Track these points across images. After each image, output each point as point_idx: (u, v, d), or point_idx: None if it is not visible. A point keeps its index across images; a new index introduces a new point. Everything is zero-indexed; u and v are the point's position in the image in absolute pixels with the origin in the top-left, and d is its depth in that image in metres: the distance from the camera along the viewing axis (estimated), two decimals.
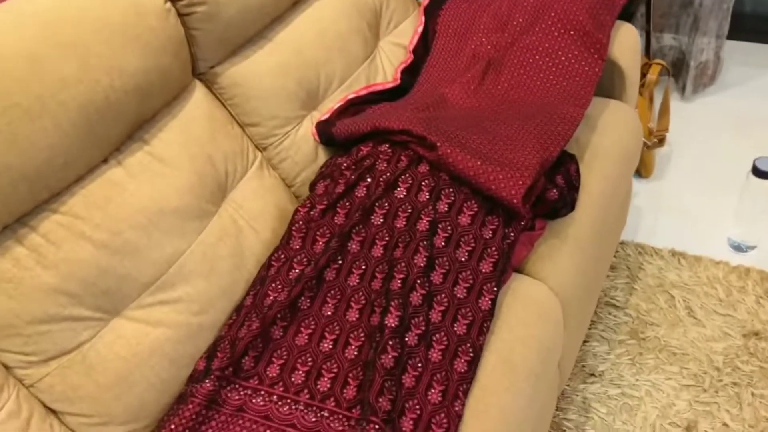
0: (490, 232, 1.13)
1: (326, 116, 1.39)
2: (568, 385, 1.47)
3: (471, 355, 1.02)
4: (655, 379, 1.46)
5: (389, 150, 1.24)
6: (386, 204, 1.16)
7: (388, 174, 1.19)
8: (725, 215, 1.87)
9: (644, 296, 1.64)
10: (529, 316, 1.11)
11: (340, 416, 0.97)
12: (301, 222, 1.20)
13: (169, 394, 1.05)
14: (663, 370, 1.48)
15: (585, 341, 1.56)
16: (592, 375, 1.49)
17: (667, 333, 1.55)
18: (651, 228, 1.87)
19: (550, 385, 1.15)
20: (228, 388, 1.01)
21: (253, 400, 1.00)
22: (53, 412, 0.99)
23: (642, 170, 2.04)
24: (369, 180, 1.21)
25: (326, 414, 0.98)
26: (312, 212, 1.21)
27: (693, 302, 1.61)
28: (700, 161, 2.07)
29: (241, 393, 1.01)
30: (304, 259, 1.15)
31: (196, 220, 1.13)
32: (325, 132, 1.36)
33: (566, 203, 1.21)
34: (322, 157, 1.39)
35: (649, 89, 2.00)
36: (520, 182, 1.12)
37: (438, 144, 1.17)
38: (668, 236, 1.82)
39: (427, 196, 1.15)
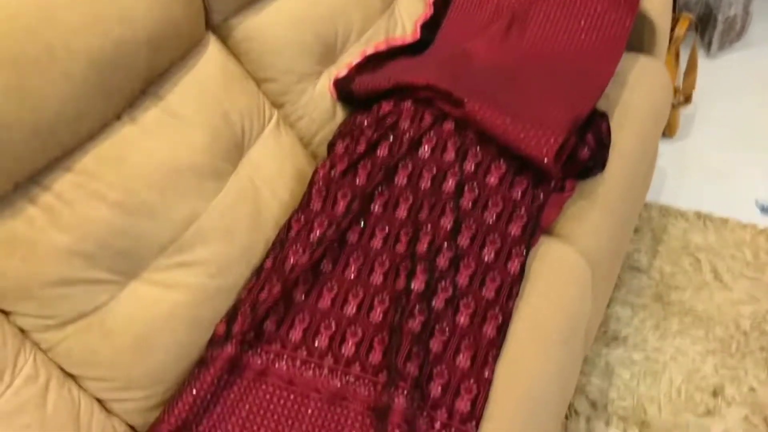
0: (519, 193, 1.08)
1: (344, 72, 1.33)
2: (590, 350, 1.45)
3: (500, 319, 0.99)
4: (680, 344, 1.43)
5: (412, 107, 1.18)
6: (410, 164, 1.12)
7: (412, 132, 1.14)
8: (753, 176, 1.81)
9: (668, 259, 1.60)
10: (558, 280, 1.07)
11: (366, 381, 0.94)
12: (321, 183, 1.16)
13: (188, 358, 1.02)
14: (688, 334, 1.45)
15: (608, 305, 1.53)
16: (615, 339, 1.46)
17: (692, 297, 1.51)
18: (675, 189, 1.82)
19: (578, 350, 1.12)
20: (250, 352, 0.99)
21: (276, 365, 0.98)
22: (71, 376, 0.96)
23: (666, 130, 1.97)
24: (391, 139, 1.16)
25: (351, 379, 0.95)
26: (332, 172, 1.16)
27: (719, 265, 1.57)
28: (727, 120, 2.00)
29: (264, 357, 0.98)
30: (325, 221, 1.11)
31: (213, 180, 1.08)
32: (343, 89, 1.31)
33: (597, 163, 1.16)
34: (341, 115, 1.34)
35: (675, 45, 1.93)
36: (552, 140, 1.06)
37: (465, 100, 1.11)
38: (693, 198, 1.77)
39: (453, 156, 1.10)
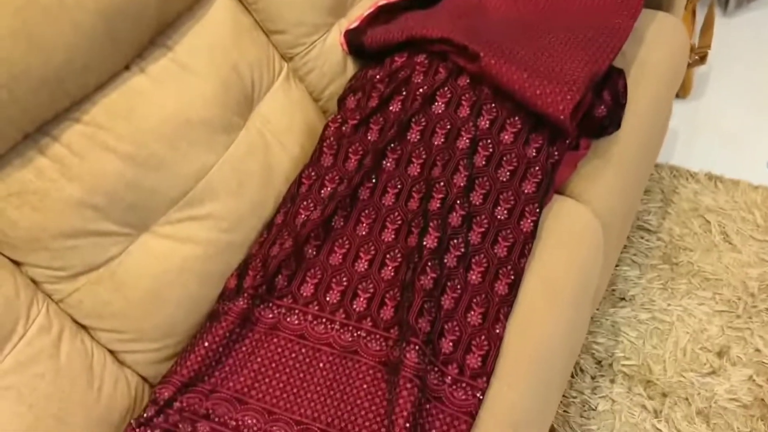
0: (534, 150, 1.07)
1: (356, 24, 1.30)
2: (597, 309, 1.45)
3: (512, 277, 0.98)
4: (687, 304, 1.43)
5: (426, 61, 1.16)
6: (423, 120, 1.10)
7: (425, 87, 1.12)
8: (766, 138, 1.79)
9: (678, 221, 1.59)
10: (570, 239, 1.07)
11: (378, 336, 0.95)
12: (332, 138, 1.14)
13: (199, 311, 1.03)
14: (695, 295, 1.45)
15: (616, 265, 1.53)
16: (623, 299, 1.47)
17: (700, 258, 1.51)
18: (687, 150, 1.80)
19: (587, 309, 1.12)
20: (261, 306, 0.99)
21: (288, 319, 0.98)
22: (84, 327, 0.97)
23: (680, 90, 1.94)
24: (404, 94, 1.14)
25: (363, 334, 0.95)
26: (344, 128, 1.15)
27: (729, 227, 1.56)
28: (741, 81, 1.96)
29: (275, 311, 0.99)
30: (336, 177, 1.10)
31: (223, 133, 1.07)
32: (354, 41, 1.28)
33: (612, 121, 1.14)
34: (351, 68, 1.31)
35: (692, 2, 1.88)
36: (569, 97, 1.04)
37: (481, 54, 1.09)
38: (705, 159, 1.75)
39: (468, 112, 1.08)
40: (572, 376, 1.35)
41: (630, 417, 1.29)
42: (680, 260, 1.51)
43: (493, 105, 1.09)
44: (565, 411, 1.31)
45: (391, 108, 1.13)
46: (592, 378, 1.35)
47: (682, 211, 1.61)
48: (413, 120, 1.10)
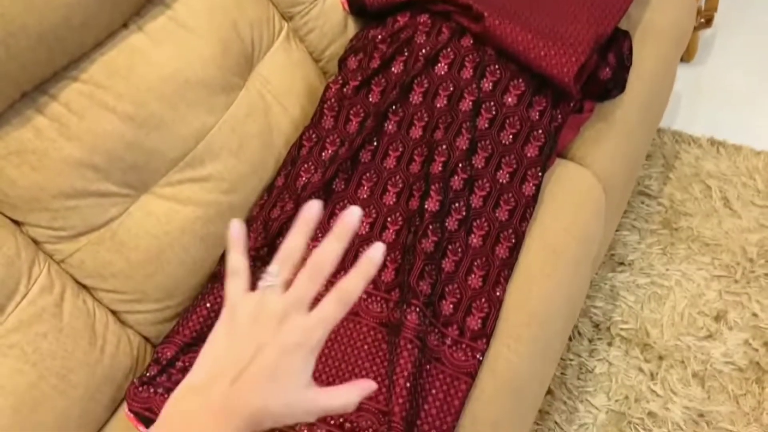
0: (537, 113, 1.06)
1: None
2: (596, 274, 1.46)
3: (513, 241, 0.99)
4: (685, 269, 1.44)
5: (429, 21, 1.13)
6: (425, 81, 1.09)
7: (428, 48, 1.10)
8: None
9: (679, 186, 1.59)
10: (572, 203, 1.06)
11: (378, 298, 0.95)
12: (333, 99, 1.13)
13: (201, 272, 1.03)
14: (694, 260, 1.45)
15: (615, 230, 1.53)
16: (622, 264, 1.47)
17: (700, 223, 1.51)
18: (690, 115, 1.78)
19: (587, 272, 1.13)
20: (263, 268, 0.99)
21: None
22: (85, 288, 0.97)
23: (684, 53, 1.91)
24: (406, 54, 1.12)
25: (363, 296, 0.96)
26: (345, 89, 1.13)
27: (730, 193, 1.56)
28: (746, 45, 1.94)
29: None
30: (337, 139, 1.09)
31: (223, 94, 1.06)
32: (355, 1, 1.25)
33: (617, 84, 1.13)
34: (352, 28, 1.29)
35: None
36: (573, 59, 1.03)
37: (485, 14, 1.07)
38: (707, 124, 1.73)
39: (471, 73, 1.07)
40: (570, 339, 1.37)
41: (626, 379, 1.30)
42: (680, 225, 1.52)
43: (497, 66, 1.07)
44: (562, 373, 1.33)
45: (392, 69, 1.12)
46: (590, 341, 1.37)
47: (683, 177, 1.61)
48: (415, 81, 1.09)
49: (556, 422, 1.27)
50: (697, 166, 1.62)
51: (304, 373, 0.45)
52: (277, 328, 0.44)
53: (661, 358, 1.32)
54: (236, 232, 0.50)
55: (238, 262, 0.49)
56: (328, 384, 0.88)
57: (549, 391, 1.30)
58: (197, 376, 0.45)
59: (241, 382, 0.43)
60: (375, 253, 0.47)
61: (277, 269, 0.47)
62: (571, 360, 1.34)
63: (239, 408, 0.43)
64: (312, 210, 0.49)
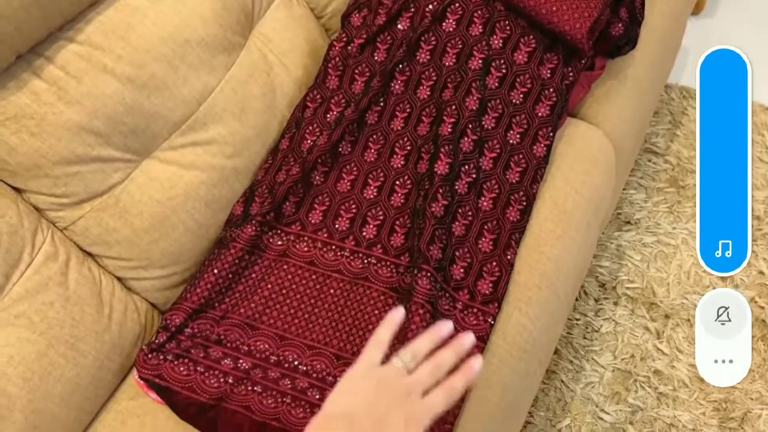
0: (549, 71, 1.03)
1: None
2: (603, 233, 1.45)
3: (524, 203, 0.97)
4: (692, 228, 1.43)
5: None
6: (433, 38, 1.05)
7: (435, 3, 1.06)
8: None
9: (686, 143, 1.57)
10: (584, 163, 1.04)
11: (388, 263, 0.94)
12: (337, 58, 1.10)
13: (206, 238, 1.02)
14: None
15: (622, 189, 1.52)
16: (628, 223, 1.46)
17: None
18: (697, 71, 1.74)
19: (596, 232, 1.11)
20: (270, 233, 0.98)
21: (297, 246, 0.97)
22: (90, 255, 0.96)
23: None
24: (413, 10, 1.08)
25: (373, 261, 0.95)
26: (349, 47, 1.10)
27: None
28: None
29: (284, 238, 0.97)
30: (342, 100, 1.07)
31: (224, 54, 1.02)
32: None
33: (630, 39, 1.10)
34: None
35: None
36: (586, 14, 1.00)
37: None
38: None
39: (480, 30, 1.03)
40: (576, 299, 1.37)
41: (632, 338, 1.31)
42: (687, 183, 1.50)
43: (507, 22, 1.04)
44: (568, 333, 1.33)
45: (398, 26, 1.08)
46: (596, 300, 1.36)
47: (691, 133, 1.59)
48: (422, 39, 1.05)
49: (562, 381, 1.28)
50: None
51: None
52: (403, 399, 0.56)
53: (667, 316, 1.32)
54: (396, 317, 0.63)
55: (384, 337, 0.61)
56: (340, 350, 0.88)
57: (555, 351, 1.30)
58: (337, 407, 0.57)
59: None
60: (476, 365, 0.59)
61: (410, 357, 0.59)
62: (577, 319, 1.35)
63: None
64: (446, 327, 0.62)
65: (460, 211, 0.95)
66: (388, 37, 1.08)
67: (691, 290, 1.35)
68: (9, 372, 0.82)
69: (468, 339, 0.61)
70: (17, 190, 0.89)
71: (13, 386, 0.83)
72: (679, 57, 1.77)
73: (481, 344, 0.88)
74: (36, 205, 0.90)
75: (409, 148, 1.01)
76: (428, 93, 1.03)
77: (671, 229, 1.44)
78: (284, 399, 0.85)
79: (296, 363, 0.89)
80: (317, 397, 0.85)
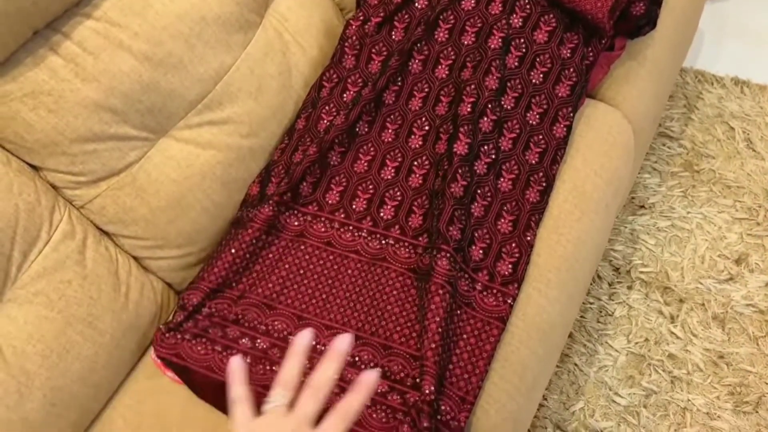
0: (569, 51, 1.01)
1: None
2: (616, 217, 1.44)
3: (543, 184, 0.96)
4: (707, 212, 1.42)
5: None
6: (452, 17, 1.04)
7: None
8: None
9: (701, 127, 1.56)
10: (603, 144, 1.03)
11: (406, 244, 0.93)
12: (354, 37, 1.08)
13: (222, 218, 1.01)
14: (716, 203, 1.43)
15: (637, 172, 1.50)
16: (642, 207, 1.45)
17: (722, 165, 1.49)
18: (713, 54, 1.73)
19: (614, 215, 1.11)
20: (287, 213, 0.97)
21: (314, 226, 0.96)
22: (107, 234, 0.95)
23: None
24: None
25: (391, 241, 0.94)
26: (366, 26, 1.08)
27: (753, 134, 1.52)
28: None
29: (301, 219, 0.97)
30: (359, 80, 1.05)
31: (240, 32, 1.01)
32: None
33: (650, 20, 1.08)
34: None
35: None
36: None
37: None
38: (731, 63, 1.68)
39: (500, 8, 1.02)
40: (590, 283, 1.36)
41: (646, 322, 1.30)
42: (702, 167, 1.49)
43: (527, 1, 1.02)
44: (582, 316, 1.33)
45: (416, 4, 1.07)
46: (610, 285, 1.36)
47: (705, 117, 1.57)
48: (441, 17, 1.04)
49: (575, 364, 1.27)
50: (720, 107, 1.59)
51: None
52: None
53: (681, 301, 1.32)
54: (236, 367, 0.58)
55: (240, 392, 0.56)
56: (359, 330, 0.88)
57: (569, 334, 1.30)
58: None
59: None
60: (370, 379, 0.54)
61: (281, 394, 0.54)
62: (591, 303, 1.34)
63: None
64: (304, 340, 0.57)
65: (479, 191, 0.94)
66: (406, 16, 1.07)
67: (706, 275, 1.34)
68: (28, 350, 0.82)
69: (342, 342, 0.55)
70: (34, 168, 0.88)
71: (31, 364, 0.83)
72: (695, 40, 1.75)
73: (501, 325, 0.87)
74: (53, 183, 0.90)
75: (427, 128, 1.00)
76: (447, 72, 1.02)
77: (685, 214, 1.43)
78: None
79: (314, 343, 0.88)
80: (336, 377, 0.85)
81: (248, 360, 0.87)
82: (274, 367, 0.87)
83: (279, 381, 0.55)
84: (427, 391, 0.80)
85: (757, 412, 1.20)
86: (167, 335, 0.91)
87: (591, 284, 1.36)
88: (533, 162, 0.97)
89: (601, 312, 1.33)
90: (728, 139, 1.53)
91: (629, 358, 1.27)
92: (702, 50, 1.74)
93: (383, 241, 0.94)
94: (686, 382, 1.23)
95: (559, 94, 1.00)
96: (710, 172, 1.49)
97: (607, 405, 1.23)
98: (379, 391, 0.83)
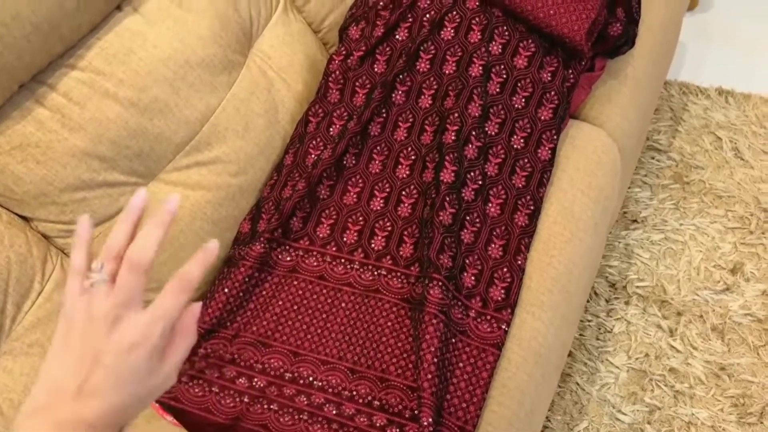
0: (549, 74, 1.03)
1: None
2: (610, 233, 1.44)
3: (531, 208, 0.97)
4: (699, 223, 1.43)
5: None
6: (432, 47, 1.05)
7: (433, 12, 1.07)
8: None
9: (689, 138, 1.57)
10: (588, 164, 1.04)
11: (399, 274, 0.94)
12: (337, 72, 1.10)
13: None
14: (708, 213, 1.44)
15: (627, 187, 1.51)
16: (635, 221, 1.46)
17: (712, 176, 1.50)
18: (696, 65, 1.75)
19: (604, 232, 1.11)
20: (278, 249, 0.97)
21: (306, 261, 0.97)
22: None
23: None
24: (410, 20, 1.08)
25: (383, 272, 0.94)
26: (349, 60, 1.10)
27: (740, 143, 1.53)
28: None
29: (293, 254, 0.97)
30: (345, 114, 1.07)
31: (224, 73, 1.02)
32: None
33: (628, 39, 1.10)
34: None
35: None
36: (584, 16, 1.00)
37: None
38: (715, 73, 1.70)
39: (479, 36, 1.03)
40: (587, 300, 1.36)
41: (645, 337, 1.30)
42: (692, 179, 1.50)
43: (505, 28, 1.04)
44: (581, 334, 1.32)
45: (397, 36, 1.08)
46: (607, 301, 1.36)
47: (692, 129, 1.59)
48: (422, 48, 1.05)
49: (577, 383, 1.27)
50: (706, 118, 1.60)
51: (150, 370, 0.44)
52: (110, 332, 0.43)
53: (679, 313, 1.32)
54: (81, 229, 0.47)
55: (78, 261, 0.46)
56: (355, 363, 0.88)
57: (569, 353, 1.30)
58: (38, 397, 0.43)
59: (84, 396, 0.42)
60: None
61: (99, 265, 0.45)
62: (589, 321, 1.34)
63: (89, 420, 0.42)
64: (139, 197, 0.48)
65: (468, 218, 0.95)
66: (387, 48, 1.08)
67: (702, 286, 1.35)
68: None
69: (171, 202, 0.47)
70: (25, 219, 0.89)
71: None
72: (677, 53, 1.77)
73: (496, 351, 0.87)
74: (44, 232, 0.90)
75: (413, 157, 1.01)
76: (430, 102, 1.03)
77: (678, 226, 1.44)
78: (301, 416, 0.85)
79: (311, 379, 0.88)
80: (334, 412, 0.85)
81: (246, 400, 0.87)
82: (272, 406, 0.87)
83: (103, 250, 0.46)
84: (425, 423, 0.80)
85: (761, 422, 1.19)
86: None
87: (588, 301, 1.36)
88: (520, 186, 0.98)
89: (600, 329, 1.33)
90: (716, 149, 1.54)
91: (630, 375, 1.27)
92: (685, 62, 1.76)
93: (376, 272, 0.95)
94: (689, 396, 1.23)
95: (542, 118, 1.01)
96: (700, 182, 1.49)
97: (611, 423, 1.22)
98: (377, 424, 0.83)
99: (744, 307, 1.31)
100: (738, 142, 1.54)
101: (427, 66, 1.05)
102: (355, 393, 0.86)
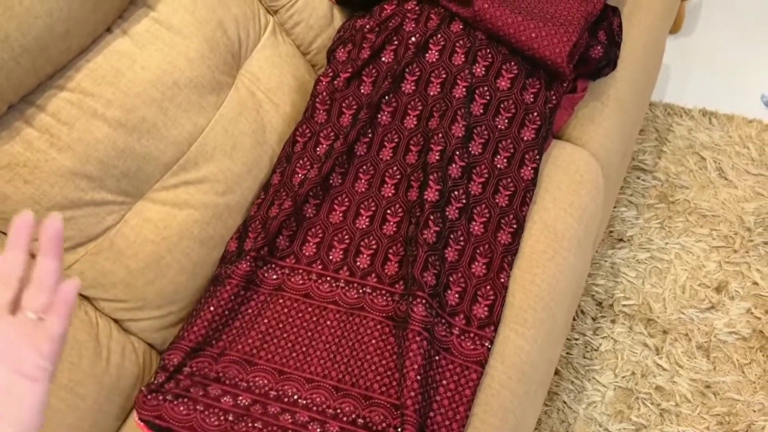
0: (531, 96, 1.05)
1: None
2: (596, 251, 1.46)
3: (515, 226, 0.98)
4: (684, 242, 1.44)
5: (417, 7, 1.12)
6: (417, 69, 1.07)
7: (418, 35, 1.09)
8: (759, 70, 1.77)
9: (673, 159, 1.59)
10: (571, 183, 1.06)
11: (383, 292, 0.95)
12: (324, 93, 1.12)
13: (201, 276, 1.02)
14: (693, 232, 1.46)
15: (613, 207, 1.53)
16: (621, 240, 1.47)
17: (697, 195, 1.51)
18: (680, 87, 1.78)
19: (589, 252, 1.12)
20: (264, 267, 0.98)
21: (292, 279, 0.97)
22: (86, 298, 0.96)
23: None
24: (396, 43, 1.10)
25: (368, 290, 0.95)
26: (335, 82, 1.12)
27: (724, 163, 1.56)
28: (732, 12, 1.93)
29: (279, 272, 0.98)
30: (331, 134, 1.08)
31: (212, 94, 1.04)
32: None
33: (610, 61, 1.12)
34: (339, 19, 1.28)
35: None
36: (565, 39, 1.02)
37: None
38: (698, 95, 1.73)
39: (463, 59, 1.05)
40: (573, 319, 1.37)
41: (632, 355, 1.31)
42: (677, 198, 1.52)
43: (489, 50, 1.06)
44: (567, 353, 1.33)
45: (383, 59, 1.10)
46: (593, 319, 1.37)
47: (677, 149, 1.61)
48: (407, 70, 1.07)
49: (564, 402, 1.27)
50: (690, 138, 1.62)
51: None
52: None
53: (665, 332, 1.33)
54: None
55: None
56: (339, 381, 0.88)
57: (556, 372, 1.30)
58: None
59: None
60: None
61: None
62: (576, 339, 1.35)
63: None
64: (23, 221, 0.50)
65: (452, 236, 0.96)
66: (373, 70, 1.10)
67: (687, 304, 1.36)
68: None
69: (53, 223, 0.48)
70: None
71: None
72: (661, 75, 1.80)
73: (480, 369, 0.88)
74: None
75: (398, 177, 1.02)
76: (415, 122, 1.05)
77: (664, 245, 1.45)
78: None
79: (296, 397, 0.89)
80: (318, 430, 0.85)
81: (230, 418, 0.87)
82: (256, 424, 0.87)
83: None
84: None
85: None
86: (149, 397, 0.91)
87: (575, 320, 1.37)
88: (503, 205, 0.99)
89: (586, 347, 1.34)
90: (700, 169, 1.56)
91: (617, 393, 1.27)
92: (669, 84, 1.79)
93: (361, 290, 0.95)
94: (675, 414, 1.23)
95: (525, 138, 1.03)
96: (685, 202, 1.51)
97: None
98: None
99: (729, 325, 1.32)
100: (722, 162, 1.56)
101: (412, 87, 1.06)
102: (339, 411, 0.86)
